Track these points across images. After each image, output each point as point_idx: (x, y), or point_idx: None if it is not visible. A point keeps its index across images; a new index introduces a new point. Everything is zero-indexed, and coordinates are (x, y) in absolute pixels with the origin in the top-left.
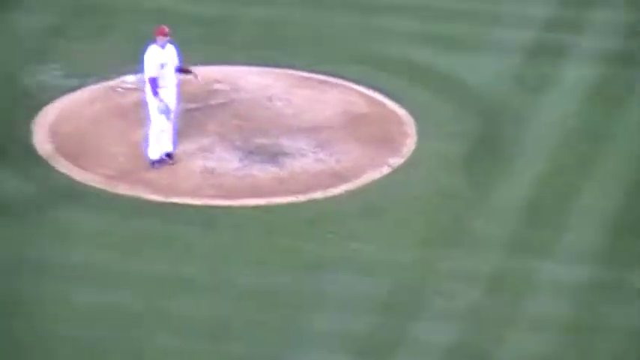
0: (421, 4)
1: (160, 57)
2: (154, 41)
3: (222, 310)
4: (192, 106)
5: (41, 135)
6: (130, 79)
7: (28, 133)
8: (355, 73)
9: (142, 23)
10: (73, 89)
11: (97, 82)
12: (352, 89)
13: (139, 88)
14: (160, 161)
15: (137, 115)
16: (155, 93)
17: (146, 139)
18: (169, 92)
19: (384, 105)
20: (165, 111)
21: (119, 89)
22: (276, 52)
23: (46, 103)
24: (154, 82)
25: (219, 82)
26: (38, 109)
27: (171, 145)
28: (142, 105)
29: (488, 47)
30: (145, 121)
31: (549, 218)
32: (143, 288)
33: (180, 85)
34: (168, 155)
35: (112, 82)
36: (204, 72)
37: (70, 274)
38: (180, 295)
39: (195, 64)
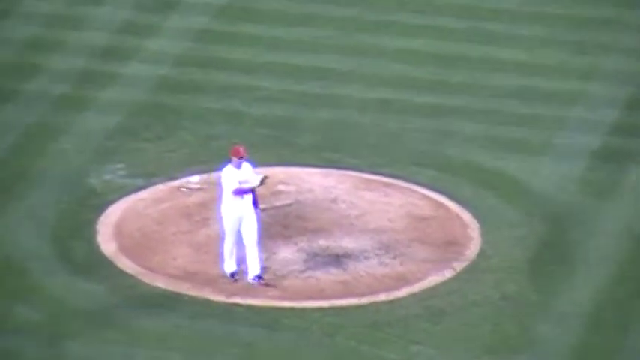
0: (486, 108)
1: (236, 177)
2: (229, 161)
3: None
4: None
5: (106, 235)
6: (195, 179)
7: (93, 233)
8: (419, 175)
9: (207, 124)
10: (138, 189)
11: (162, 182)
12: (416, 192)
13: (204, 189)
14: (238, 272)
15: (201, 215)
16: (246, 192)
17: (221, 255)
18: (245, 209)
19: (448, 208)
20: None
21: (184, 189)
22: (340, 154)
23: (111, 202)
24: (239, 192)
25: (283, 183)
26: (103, 209)
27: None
28: (207, 205)
29: (554, 151)
30: (209, 222)
31: (614, 323)
32: None
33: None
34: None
35: (176, 183)
36: (268, 173)
37: None
38: None
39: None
